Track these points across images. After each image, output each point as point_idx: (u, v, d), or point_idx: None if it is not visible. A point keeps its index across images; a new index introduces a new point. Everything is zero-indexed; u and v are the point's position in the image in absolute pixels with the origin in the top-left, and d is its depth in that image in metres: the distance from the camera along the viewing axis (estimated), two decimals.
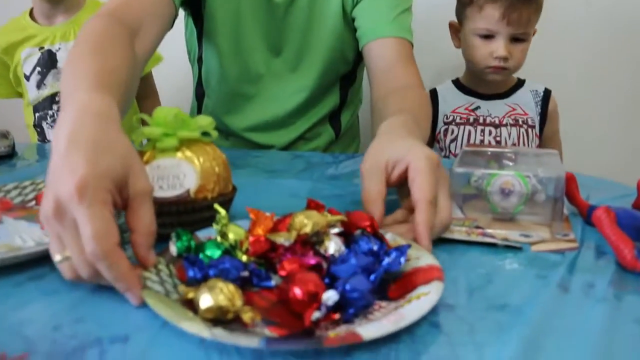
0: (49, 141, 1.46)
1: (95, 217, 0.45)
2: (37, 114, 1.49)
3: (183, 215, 0.58)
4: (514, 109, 1.36)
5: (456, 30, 1.38)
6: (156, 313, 0.44)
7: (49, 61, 1.46)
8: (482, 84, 1.37)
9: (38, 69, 1.46)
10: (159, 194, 0.57)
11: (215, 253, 0.51)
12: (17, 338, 0.43)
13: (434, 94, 1.41)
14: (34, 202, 0.74)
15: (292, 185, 0.84)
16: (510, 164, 0.74)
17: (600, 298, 0.50)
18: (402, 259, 0.50)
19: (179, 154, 0.58)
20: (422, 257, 0.53)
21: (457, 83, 1.42)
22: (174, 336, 0.43)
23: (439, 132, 1.38)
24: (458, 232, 0.65)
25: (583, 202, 0.71)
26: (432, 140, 1.40)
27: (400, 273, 0.52)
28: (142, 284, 0.47)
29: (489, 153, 0.79)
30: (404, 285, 0.50)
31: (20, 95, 1.57)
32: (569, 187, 0.71)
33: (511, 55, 1.28)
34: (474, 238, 0.64)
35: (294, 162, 1.01)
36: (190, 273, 0.48)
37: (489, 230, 0.66)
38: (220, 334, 0.40)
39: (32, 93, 1.48)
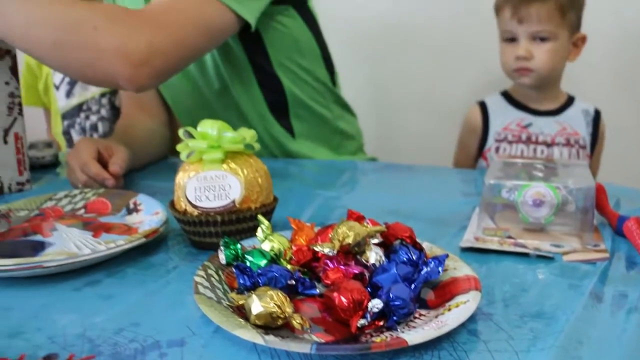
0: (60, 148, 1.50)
1: None
2: (65, 122, 1.53)
3: (228, 224, 0.61)
4: (565, 128, 1.35)
5: None
6: (209, 318, 0.46)
7: None
8: (531, 97, 1.36)
9: (67, 79, 1.50)
10: (206, 204, 0.60)
11: (262, 261, 0.53)
12: (82, 341, 0.46)
13: (483, 107, 1.40)
14: (83, 210, 0.77)
15: (328, 195, 0.87)
16: (540, 175, 0.76)
17: (633, 308, 0.52)
18: (441, 269, 0.52)
19: (225, 166, 0.61)
20: (459, 267, 0.55)
21: (506, 96, 1.40)
22: (227, 341, 0.46)
23: (489, 149, 1.37)
24: (491, 242, 0.67)
25: (613, 213, 0.72)
26: (478, 155, 1.39)
27: (437, 282, 0.54)
28: (195, 290, 0.49)
29: (520, 164, 0.81)
30: (442, 294, 0.52)
31: (44, 104, 1.62)
32: (599, 197, 0.73)
33: (532, 55, 1.28)
34: (506, 248, 0.66)
35: (329, 171, 1.04)
36: (241, 280, 0.50)
37: (521, 240, 0.68)
38: (273, 341, 0.43)
39: (62, 102, 1.52)
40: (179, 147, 0.63)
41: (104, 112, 1.49)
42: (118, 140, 0.99)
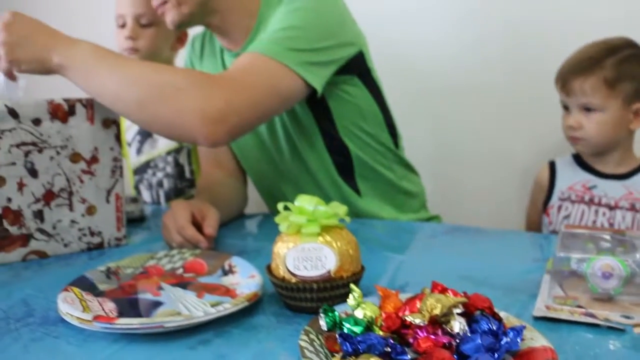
0: (144, 202, 1.59)
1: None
2: (136, 177, 1.64)
3: (323, 291, 0.68)
4: (631, 193, 1.36)
5: None
6: None
7: (145, 131, 1.60)
8: (601, 161, 1.39)
9: (138, 137, 1.60)
10: (304, 273, 0.67)
11: (359, 328, 0.60)
12: None
13: (552, 166, 1.45)
14: (182, 270, 0.85)
15: (401, 259, 0.93)
16: (608, 245, 0.81)
17: None
18: (519, 339, 0.58)
19: (320, 239, 0.69)
20: (535, 337, 0.61)
21: (577, 158, 1.44)
22: None
23: (552, 206, 1.41)
24: (562, 312, 0.72)
25: None
26: (542, 212, 1.43)
27: (515, 351, 0.60)
28: (302, 354, 0.56)
29: (587, 234, 0.85)
30: None
31: None
32: None
33: (582, 125, 1.33)
34: (577, 318, 0.70)
35: (399, 233, 1.10)
36: (344, 347, 0.57)
37: (591, 310, 0.72)
38: None
39: (133, 158, 1.64)
40: (278, 219, 0.71)
41: (169, 169, 1.58)
42: (205, 200, 1.08)
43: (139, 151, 1.60)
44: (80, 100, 0.98)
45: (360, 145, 1.23)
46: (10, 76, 0.99)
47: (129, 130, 1.63)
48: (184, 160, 1.57)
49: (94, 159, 1.00)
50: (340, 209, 0.71)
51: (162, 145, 1.58)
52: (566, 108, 1.37)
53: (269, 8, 1.14)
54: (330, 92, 1.16)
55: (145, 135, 1.59)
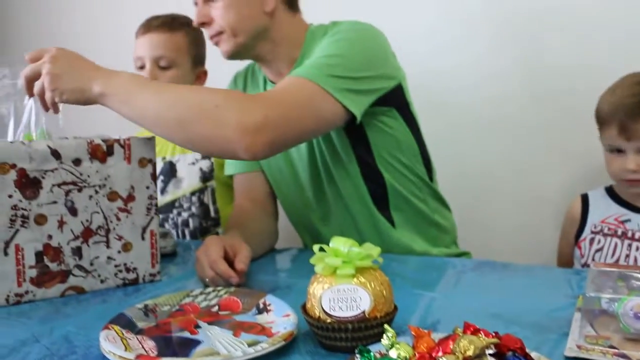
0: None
1: None
2: (160, 216, 1.67)
3: (357, 331, 0.70)
4: None
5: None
6: None
7: (169, 171, 1.64)
8: (635, 196, 1.37)
9: (161, 177, 1.64)
10: (339, 313, 0.69)
11: None
12: None
13: (584, 199, 1.44)
14: (217, 308, 0.88)
15: (431, 296, 0.94)
16: (639, 284, 0.81)
17: None
18: None
19: (355, 280, 0.71)
20: None
21: (610, 191, 1.43)
22: None
23: (584, 239, 1.40)
24: (594, 352, 0.72)
25: None
26: (573, 245, 1.42)
27: None
28: None
29: (617, 273, 0.86)
30: None
31: None
32: None
33: None
34: (610, 359, 0.71)
35: (428, 269, 1.11)
36: None
37: (624, 351, 0.73)
38: None
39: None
40: (313, 261, 0.73)
41: (194, 209, 1.62)
42: (237, 235, 1.11)
43: (162, 191, 1.63)
44: (118, 141, 1.02)
45: (396, 176, 1.27)
46: (54, 106, 1.03)
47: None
48: (208, 199, 1.60)
49: (130, 197, 1.04)
50: (374, 250, 0.73)
51: (187, 185, 1.61)
52: (618, 150, 1.32)
53: (314, 40, 1.20)
54: (368, 122, 1.20)
55: (169, 175, 1.63)
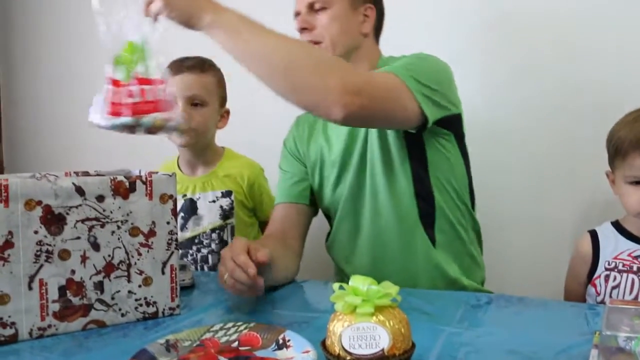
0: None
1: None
2: (180, 252, 1.68)
3: None
4: None
5: (612, 178, 1.37)
6: None
7: (190, 208, 1.66)
8: None
9: (182, 214, 1.66)
10: (359, 351, 0.71)
11: None
12: None
13: (593, 235, 1.41)
14: (237, 343, 0.89)
15: (450, 331, 0.95)
16: None
17: None
18: None
19: (374, 318, 0.72)
20: None
21: (617, 226, 1.40)
22: None
23: (599, 276, 1.37)
24: None
25: None
26: (588, 282, 1.39)
27: None
28: None
29: (633, 310, 0.87)
30: None
31: None
32: None
33: None
34: None
35: (447, 304, 1.12)
36: None
37: None
38: None
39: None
40: (333, 298, 0.75)
41: (213, 245, 1.63)
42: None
43: (182, 228, 1.65)
44: (140, 177, 1.05)
45: (446, 199, 1.31)
46: (155, 16, 1.03)
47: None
48: (227, 236, 1.63)
49: (151, 233, 1.06)
50: (392, 289, 0.74)
51: (207, 222, 1.64)
52: (638, 183, 1.29)
53: (385, 66, 1.25)
54: (428, 140, 1.27)
55: (189, 212, 1.65)
